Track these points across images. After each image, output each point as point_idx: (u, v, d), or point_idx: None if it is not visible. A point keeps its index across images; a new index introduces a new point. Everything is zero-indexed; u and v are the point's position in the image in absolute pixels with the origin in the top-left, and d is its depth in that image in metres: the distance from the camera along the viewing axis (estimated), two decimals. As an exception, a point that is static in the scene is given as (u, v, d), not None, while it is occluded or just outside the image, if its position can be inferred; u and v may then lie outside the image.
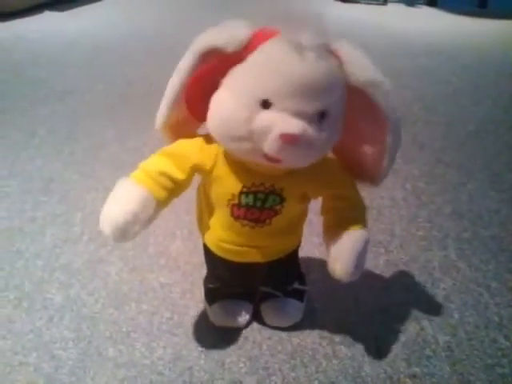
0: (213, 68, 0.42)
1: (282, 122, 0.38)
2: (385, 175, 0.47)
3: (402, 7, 2.59)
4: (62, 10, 2.23)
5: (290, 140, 0.38)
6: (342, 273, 0.45)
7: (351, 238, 0.46)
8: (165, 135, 0.49)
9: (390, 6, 2.59)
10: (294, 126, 0.38)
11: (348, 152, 0.48)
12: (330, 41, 0.41)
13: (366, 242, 0.46)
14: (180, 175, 0.46)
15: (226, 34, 0.41)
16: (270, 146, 0.39)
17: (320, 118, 0.40)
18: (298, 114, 0.38)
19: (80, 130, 1.09)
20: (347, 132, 0.44)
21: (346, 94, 0.42)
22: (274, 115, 0.39)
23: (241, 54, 0.41)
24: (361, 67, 0.42)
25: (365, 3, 2.63)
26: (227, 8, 2.31)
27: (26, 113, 1.17)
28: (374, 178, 0.48)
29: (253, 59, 0.40)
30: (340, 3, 2.62)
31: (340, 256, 0.45)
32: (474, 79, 1.49)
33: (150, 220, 0.45)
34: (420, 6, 2.64)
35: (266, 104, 0.39)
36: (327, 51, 0.40)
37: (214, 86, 0.42)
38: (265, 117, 0.39)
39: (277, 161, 0.41)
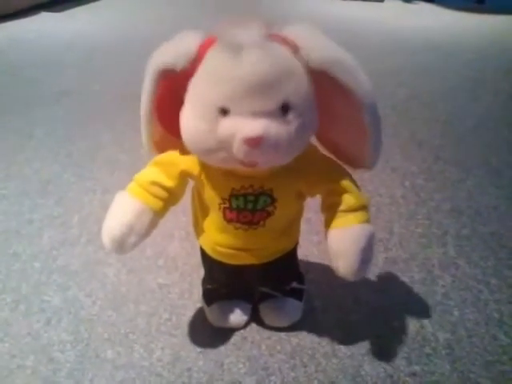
0: (172, 85, 0.42)
1: (242, 127, 0.38)
2: (375, 156, 0.45)
3: (399, 4, 2.58)
4: (59, 10, 2.22)
5: (254, 143, 0.37)
6: (345, 270, 0.44)
7: (353, 234, 0.44)
8: (153, 153, 0.49)
9: (387, 3, 2.59)
10: (255, 127, 0.37)
11: (333, 138, 0.47)
12: (281, 30, 0.40)
13: (370, 237, 0.45)
14: (170, 183, 0.46)
15: (173, 51, 0.41)
16: (237, 152, 0.39)
17: (283, 111, 0.38)
18: (257, 114, 0.38)
19: (77, 132, 1.08)
20: (326, 118, 0.43)
21: (310, 79, 0.40)
22: (234, 121, 0.38)
23: (193, 66, 0.40)
24: (317, 48, 0.40)
25: (362, 0, 2.62)
26: (224, 9, 2.30)
27: (22, 115, 1.17)
28: (365, 162, 0.46)
29: (201, 70, 0.40)
30: (337, 0, 2.61)
31: (342, 253, 0.44)
32: (472, 76, 1.49)
33: (148, 230, 0.46)
34: (417, 2, 2.63)
35: (224, 111, 0.38)
36: (276, 41, 0.39)
37: (180, 102, 0.42)
38: (225, 125, 0.38)
39: (253, 164, 0.40)
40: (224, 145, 0.39)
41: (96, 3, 2.44)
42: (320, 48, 0.40)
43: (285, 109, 0.39)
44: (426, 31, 1.99)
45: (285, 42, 0.40)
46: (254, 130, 0.37)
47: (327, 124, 0.44)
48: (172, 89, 0.42)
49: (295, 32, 0.40)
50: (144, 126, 0.47)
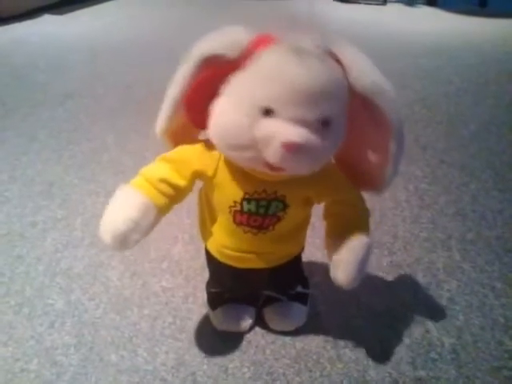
0: (212, 75, 0.41)
1: (284, 131, 0.37)
2: (389, 183, 0.46)
3: (401, 7, 2.59)
4: (62, 13, 2.23)
5: (292, 149, 0.37)
6: (343, 280, 0.45)
7: (353, 246, 0.45)
8: (165, 141, 0.48)
9: (390, 6, 2.59)
10: (297, 134, 0.37)
11: (351, 159, 0.47)
12: (331, 44, 0.41)
13: (368, 249, 0.46)
14: (181, 182, 0.45)
15: (226, 40, 0.41)
16: (272, 154, 0.38)
17: (323, 125, 0.39)
18: (301, 122, 0.38)
19: (80, 134, 1.08)
20: (350, 138, 0.43)
21: (348, 99, 0.41)
22: (276, 123, 0.38)
23: (240, 60, 0.40)
24: (364, 72, 0.41)
25: (364, 3, 2.62)
26: (227, 12, 2.30)
27: (26, 117, 1.17)
28: (377, 186, 0.47)
29: (253, 66, 0.40)
30: (339, 3, 2.62)
31: (341, 264, 0.45)
32: (475, 79, 1.49)
33: (151, 227, 0.44)
34: (419, 5, 2.64)
35: (267, 112, 0.38)
36: (329, 55, 0.40)
37: (213, 94, 0.42)
38: (267, 125, 0.38)
39: (279, 169, 0.40)
40: (257, 144, 0.39)
41: (99, 6, 2.45)
42: (369, 74, 0.41)
43: (325, 123, 0.39)
44: (428, 34, 2.00)
45: (338, 60, 0.40)
46: (296, 135, 0.37)
47: (350, 145, 0.44)
48: (209, 79, 0.41)
49: (345, 52, 0.41)
50: (166, 114, 0.45)
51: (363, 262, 0.45)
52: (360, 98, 0.41)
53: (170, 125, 0.46)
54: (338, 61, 0.40)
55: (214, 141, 0.42)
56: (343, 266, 0.45)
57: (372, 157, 0.45)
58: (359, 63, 0.41)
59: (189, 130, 0.46)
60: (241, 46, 0.40)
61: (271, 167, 0.40)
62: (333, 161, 0.48)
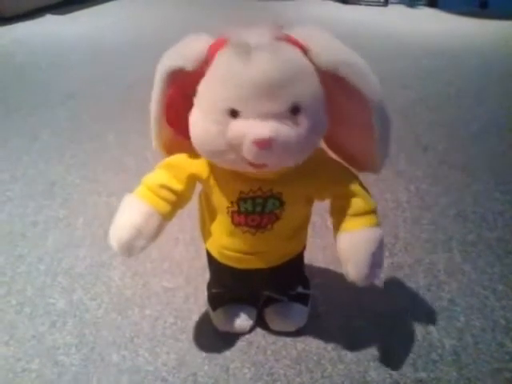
0: (181, 87, 0.42)
1: (252, 129, 0.38)
2: (382, 160, 0.45)
3: (402, 8, 2.59)
4: (64, 13, 2.23)
5: (263, 144, 0.37)
6: (354, 275, 0.44)
7: (362, 238, 0.44)
8: (163, 154, 0.49)
9: (391, 7, 2.59)
10: (265, 129, 0.37)
11: (341, 142, 0.47)
12: (288, 30, 0.40)
13: (380, 241, 0.45)
14: (178, 186, 0.46)
15: (185, 52, 0.41)
16: (247, 153, 0.39)
17: (293, 112, 0.38)
18: (267, 116, 0.38)
19: (82, 134, 1.09)
20: (335, 120, 0.43)
21: (320, 81, 0.40)
22: (244, 122, 0.38)
23: (202, 69, 0.41)
24: (327, 49, 0.40)
25: (365, 4, 2.62)
26: (228, 13, 2.30)
27: (27, 116, 1.17)
28: (371, 165, 0.46)
29: (210, 72, 0.40)
30: (340, 5, 2.62)
31: (352, 257, 0.44)
32: (476, 80, 1.49)
33: (156, 234, 0.46)
34: (421, 6, 2.64)
35: (233, 113, 0.38)
36: (286, 43, 0.39)
37: (189, 105, 0.42)
38: (235, 126, 0.38)
39: (262, 166, 0.40)
40: (233, 146, 0.39)
41: (101, 6, 2.46)
42: (330, 49, 0.40)
43: (294, 110, 0.39)
44: (429, 36, 2.00)
45: (295, 43, 0.40)
46: (263, 131, 0.37)
47: (336, 126, 0.44)
48: (181, 91, 0.42)
49: (305, 34, 0.41)
50: (153, 128, 0.47)
51: (375, 255, 0.44)
52: (330, 76, 0.40)
53: (161, 139, 0.47)
54: (297, 45, 0.40)
55: (197, 150, 0.43)
56: (354, 260, 0.44)
57: (359, 136, 0.44)
58: (318, 41, 0.40)
59: (181, 141, 0.46)
60: (200, 55, 0.40)
61: (253, 165, 0.40)
62: (326, 149, 0.48)
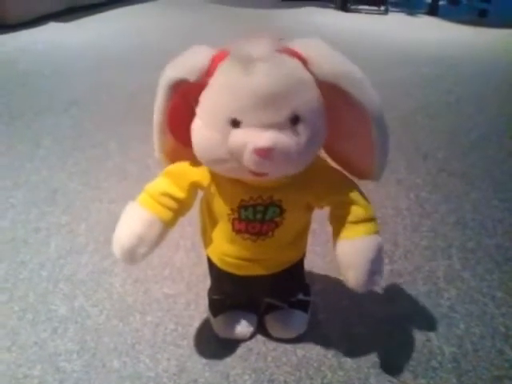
0: (183, 97, 0.43)
1: (253, 138, 0.39)
2: (381, 169, 0.46)
3: (402, 17, 2.61)
4: (68, 21, 2.25)
5: (264, 153, 0.38)
6: (354, 282, 0.45)
7: (362, 245, 0.45)
8: (165, 163, 0.50)
9: (391, 16, 2.62)
10: (266, 138, 0.38)
11: (341, 150, 0.48)
12: (288, 42, 0.41)
13: (379, 248, 0.45)
14: (180, 194, 0.47)
15: (187, 64, 0.42)
16: (248, 162, 0.40)
17: (293, 122, 0.39)
18: (268, 126, 0.39)
19: (84, 141, 1.09)
20: (334, 129, 0.44)
21: (319, 92, 0.41)
22: (245, 132, 0.39)
23: (205, 79, 0.42)
24: (327, 61, 0.41)
25: (366, 13, 2.65)
26: (230, 22, 2.33)
27: (30, 123, 1.18)
28: (371, 174, 0.47)
29: (212, 83, 0.41)
30: (341, 13, 2.64)
31: (351, 264, 0.45)
32: (476, 88, 1.50)
33: (158, 241, 0.47)
34: (421, 15, 2.66)
35: (235, 123, 0.39)
36: (286, 54, 0.40)
37: (191, 114, 0.43)
38: (236, 135, 0.39)
39: (262, 174, 0.41)
40: (234, 155, 0.40)
41: (105, 14, 2.48)
42: (329, 61, 0.41)
43: (294, 120, 0.40)
44: (429, 44, 2.01)
45: (295, 54, 0.41)
46: (263, 140, 0.38)
47: (335, 136, 0.45)
48: (184, 101, 0.43)
49: (305, 45, 0.42)
50: (156, 137, 0.48)
51: (375, 262, 0.45)
52: (329, 86, 0.41)
53: (164, 148, 0.49)
54: (298, 57, 0.41)
55: (199, 159, 0.44)
56: (354, 267, 0.45)
57: (358, 145, 0.45)
58: (319, 53, 0.41)
59: (183, 150, 0.47)
60: (202, 67, 0.42)
61: (254, 173, 0.41)
62: (326, 157, 0.49)
